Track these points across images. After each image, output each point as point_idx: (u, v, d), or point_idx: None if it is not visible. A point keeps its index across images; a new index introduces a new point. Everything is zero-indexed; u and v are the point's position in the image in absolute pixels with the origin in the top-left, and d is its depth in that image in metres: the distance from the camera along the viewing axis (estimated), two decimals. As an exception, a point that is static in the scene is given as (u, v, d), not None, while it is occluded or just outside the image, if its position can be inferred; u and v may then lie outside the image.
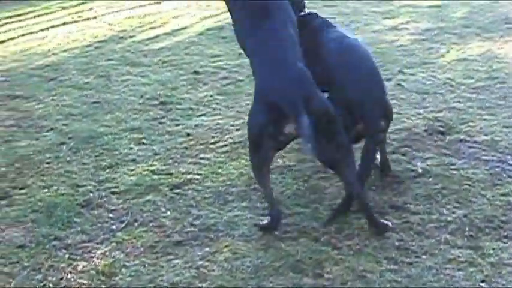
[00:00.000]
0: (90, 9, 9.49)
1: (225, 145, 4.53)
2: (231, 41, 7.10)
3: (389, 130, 4.60)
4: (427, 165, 4.18)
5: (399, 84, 5.66)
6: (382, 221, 3.54)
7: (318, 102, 3.40)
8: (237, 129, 4.69)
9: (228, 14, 4.08)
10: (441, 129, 4.73)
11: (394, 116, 4.82)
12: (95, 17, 8.82)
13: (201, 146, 4.52)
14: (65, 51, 7.25)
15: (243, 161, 4.19)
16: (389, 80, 5.73)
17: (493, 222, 3.59)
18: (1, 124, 5.21)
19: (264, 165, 3.52)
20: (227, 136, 4.63)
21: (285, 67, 3.47)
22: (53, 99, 5.67)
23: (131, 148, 4.58)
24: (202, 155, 4.41)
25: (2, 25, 8.75)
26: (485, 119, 4.90)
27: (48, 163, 4.44)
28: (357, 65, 3.90)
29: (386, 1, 9.20)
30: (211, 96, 5.45)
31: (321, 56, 3.91)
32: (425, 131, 4.71)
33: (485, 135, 4.64)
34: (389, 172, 4.11)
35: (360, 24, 7.83)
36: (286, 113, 3.29)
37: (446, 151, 4.39)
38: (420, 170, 4.11)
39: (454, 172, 4.09)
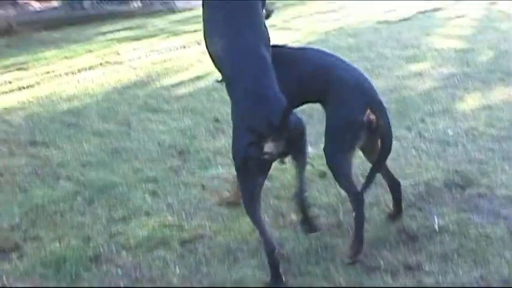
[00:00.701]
0: (117, 52, 9.61)
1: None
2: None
3: (407, 183, 4.54)
4: (444, 221, 4.08)
5: (420, 134, 5.58)
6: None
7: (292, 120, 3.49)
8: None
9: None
10: (460, 182, 4.62)
11: (413, 169, 4.78)
12: (121, 62, 8.91)
13: (215, 199, 4.46)
14: (88, 96, 7.33)
15: (256, 215, 4.12)
16: (409, 129, 5.66)
17: (511, 284, 3.46)
18: (20, 171, 5.22)
19: (255, 193, 3.58)
20: (242, 188, 4.57)
21: (262, 92, 3.56)
22: (72, 147, 5.69)
23: (145, 200, 4.54)
24: (215, 209, 4.35)
25: (30, 68, 8.89)
26: (506, 172, 4.79)
27: (61, 214, 4.42)
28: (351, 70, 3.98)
29: (412, 45, 9.17)
30: (229, 145, 5.40)
31: (306, 71, 3.95)
32: (444, 184, 4.61)
33: (506, 188, 4.53)
34: (399, 185, 4.10)
35: (383, 69, 7.78)
36: (265, 134, 3.39)
37: (464, 206, 4.29)
38: (436, 227, 4.00)
39: (472, 229, 3.98)
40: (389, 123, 3.83)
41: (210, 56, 3.97)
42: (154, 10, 13.55)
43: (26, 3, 17.44)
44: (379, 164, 3.91)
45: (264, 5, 4.05)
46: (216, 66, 3.97)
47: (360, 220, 3.74)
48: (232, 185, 4.46)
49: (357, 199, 3.78)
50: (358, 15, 12.39)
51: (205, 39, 3.99)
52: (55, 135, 6.00)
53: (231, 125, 5.79)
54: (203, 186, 4.69)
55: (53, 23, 12.77)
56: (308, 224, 3.81)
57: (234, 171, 4.52)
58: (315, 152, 5.02)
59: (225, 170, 4.89)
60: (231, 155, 4.86)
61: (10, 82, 8.34)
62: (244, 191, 3.64)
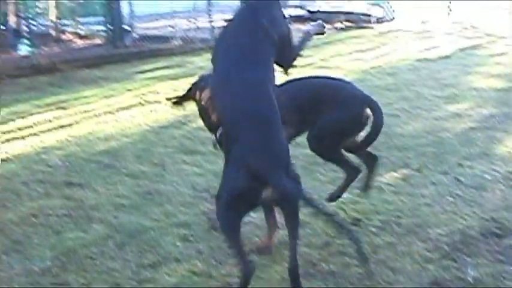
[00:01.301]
0: (156, 92, 9.68)
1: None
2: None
3: (442, 232, 4.45)
4: (479, 273, 3.96)
5: (456, 179, 5.47)
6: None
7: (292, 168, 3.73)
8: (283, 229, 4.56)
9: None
10: (497, 231, 4.50)
11: (449, 216, 4.69)
12: (159, 101, 8.96)
13: (246, 246, 4.40)
14: (125, 136, 7.37)
15: (286, 264, 4.06)
16: (446, 174, 5.56)
17: None
18: (54, 213, 5.25)
19: (236, 222, 3.70)
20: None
21: (270, 141, 3.63)
22: (107, 188, 5.71)
23: (176, 245, 4.51)
24: (245, 256, 4.28)
25: (70, 107, 9.00)
26: (545, 220, 4.66)
27: (92, 258, 4.41)
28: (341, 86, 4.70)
29: (451, 85, 9.08)
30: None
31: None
32: (480, 233, 4.49)
33: (546, 238, 4.40)
34: (377, 159, 4.80)
35: (421, 110, 7.70)
36: (267, 181, 3.49)
37: (501, 257, 4.16)
38: (471, 280, 3.89)
39: (508, 282, 3.86)
40: (382, 117, 4.52)
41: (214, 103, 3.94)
42: (195, 48, 13.66)
43: (70, 40, 17.77)
44: (364, 146, 4.63)
45: (284, 39, 3.97)
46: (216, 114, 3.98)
47: (351, 181, 4.67)
48: (264, 232, 4.42)
49: (357, 172, 4.66)
50: (398, 52, 12.34)
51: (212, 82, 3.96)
52: (90, 177, 6.03)
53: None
54: (235, 232, 4.63)
55: (94, 61, 12.95)
56: None
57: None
58: (348, 196, 4.97)
59: (258, 216, 4.83)
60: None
61: (50, 121, 8.46)
62: (224, 220, 3.71)
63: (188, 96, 4.39)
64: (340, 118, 4.46)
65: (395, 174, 5.50)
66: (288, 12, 20.53)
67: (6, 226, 5.08)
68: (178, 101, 4.48)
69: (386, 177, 5.38)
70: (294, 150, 6.17)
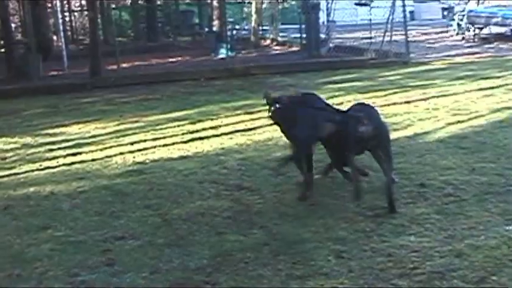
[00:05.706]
0: (341, 103, 9.68)
1: (422, 273, 4.19)
2: (470, 152, 6.81)
3: None
4: None
5: None
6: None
7: None
8: (441, 257, 4.39)
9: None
10: None
11: None
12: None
13: (398, 270, 4.27)
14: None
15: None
16: None
17: None
18: (220, 214, 5.44)
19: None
20: (428, 263, 4.33)
21: None
22: (275, 196, 5.82)
23: (329, 260, 4.48)
24: (394, 281, 4.15)
25: (255, 113, 9.26)
26: None
27: (246, 263, 4.50)
28: None
29: None
30: (428, 214, 5.18)
31: None
32: None
33: None
34: None
35: None
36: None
37: None
38: None
39: None
40: None
41: None
42: (388, 61, 13.52)
43: (268, 46, 18.30)
44: None
45: None
46: None
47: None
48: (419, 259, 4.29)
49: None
50: None
51: None
52: (262, 182, 6.18)
53: (436, 192, 5.59)
54: (389, 255, 4.51)
55: (288, 68, 13.24)
56: None
57: (425, 243, 4.37)
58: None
59: (417, 239, 4.70)
60: (427, 224, 4.74)
61: (235, 124, 8.77)
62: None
63: None
64: None
65: None
66: (492, 30, 19.81)
67: (174, 221, 5.35)
68: None
69: None
70: (468, 176, 5.98)
